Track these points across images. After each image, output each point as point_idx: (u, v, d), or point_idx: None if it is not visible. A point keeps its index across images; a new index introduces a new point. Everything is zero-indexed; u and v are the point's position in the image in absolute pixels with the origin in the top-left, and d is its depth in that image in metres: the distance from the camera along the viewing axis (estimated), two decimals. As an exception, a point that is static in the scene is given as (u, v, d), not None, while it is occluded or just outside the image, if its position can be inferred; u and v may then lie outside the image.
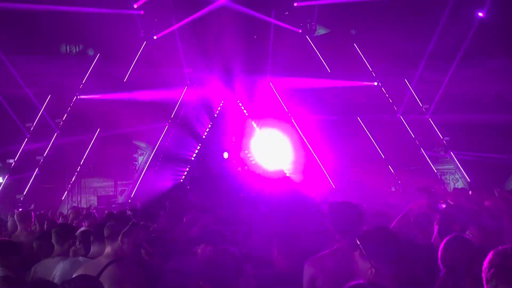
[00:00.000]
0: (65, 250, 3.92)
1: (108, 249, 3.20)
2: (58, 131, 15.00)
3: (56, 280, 3.35)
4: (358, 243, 2.21)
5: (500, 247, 1.35)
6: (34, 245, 4.17)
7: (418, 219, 3.47)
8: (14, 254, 3.63)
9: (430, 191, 3.28)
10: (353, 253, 2.24)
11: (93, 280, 2.18)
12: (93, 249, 3.52)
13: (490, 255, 1.29)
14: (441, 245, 2.49)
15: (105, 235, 3.26)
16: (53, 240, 3.95)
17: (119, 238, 3.19)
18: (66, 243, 3.93)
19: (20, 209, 5.99)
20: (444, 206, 3.24)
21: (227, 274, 2.23)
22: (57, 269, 3.55)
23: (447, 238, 2.51)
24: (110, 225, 3.30)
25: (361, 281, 2.10)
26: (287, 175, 17.20)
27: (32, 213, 5.57)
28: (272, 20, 15.86)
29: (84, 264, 3.21)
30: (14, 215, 7.48)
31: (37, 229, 5.81)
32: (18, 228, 5.26)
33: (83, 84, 15.53)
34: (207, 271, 2.28)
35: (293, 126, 17.35)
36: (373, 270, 2.13)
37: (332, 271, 2.60)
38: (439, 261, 2.44)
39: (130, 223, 3.38)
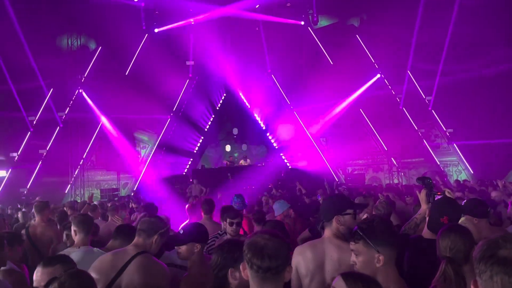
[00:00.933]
0: (84, 240, 3.93)
1: (138, 241, 3.18)
2: (61, 125, 15.02)
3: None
4: (361, 234, 2.21)
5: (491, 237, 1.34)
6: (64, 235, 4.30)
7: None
8: (19, 246, 3.66)
9: (426, 182, 3.25)
10: (354, 246, 2.23)
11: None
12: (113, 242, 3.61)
13: (479, 245, 1.29)
14: (439, 235, 2.48)
15: (141, 228, 3.28)
16: (72, 230, 3.97)
17: (156, 236, 3.21)
18: (84, 232, 3.94)
19: (38, 200, 6.02)
20: (439, 197, 3.21)
21: (223, 261, 2.29)
22: (76, 258, 3.57)
23: (444, 228, 2.50)
24: (154, 222, 3.32)
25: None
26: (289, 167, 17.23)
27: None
28: (273, 18, 15.80)
29: (110, 253, 3.21)
30: (21, 208, 7.55)
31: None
32: (36, 219, 5.31)
33: (84, 77, 15.52)
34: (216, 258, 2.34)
35: (295, 118, 17.35)
36: (381, 258, 2.14)
37: (312, 259, 2.66)
38: (438, 251, 2.43)
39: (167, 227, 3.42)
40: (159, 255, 3.56)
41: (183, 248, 3.04)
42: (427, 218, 3.04)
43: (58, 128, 15.03)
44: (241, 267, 1.86)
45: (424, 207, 3.32)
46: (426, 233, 2.93)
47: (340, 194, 6.00)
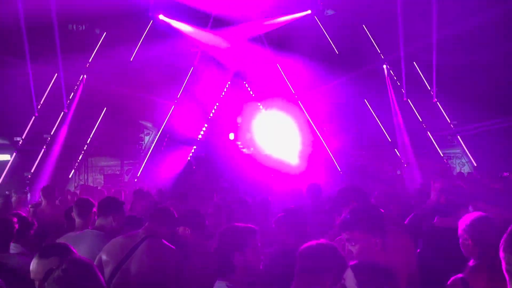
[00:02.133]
0: (87, 224, 3.97)
1: (150, 226, 3.26)
2: (66, 110, 15.01)
3: (80, 253, 3.39)
4: (356, 221, 2.24)
5: None
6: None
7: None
8: (28, 230, 3.70)
9: (444, 175, 3.27)
10: (350, 235, 2.25)
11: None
12: (98, 221, 3.62)
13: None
14: (469, 229, 2.44)
15: (154, 214, 3.35)
16: (75, 214, 4.00)
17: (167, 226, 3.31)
18: (87, 216, 3.97)
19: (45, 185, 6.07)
20: None
21: (228, 246, 2.32)
22: (82, 241, 3.60)
23: (473, 219, 2.47)
24: (168, 213, 3.40)
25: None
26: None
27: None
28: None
29: (121, 236, 3.24)
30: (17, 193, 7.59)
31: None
32: (43, 203, 5.38)
33: (89, 63, 15.47)
34: (217, 244, 2.36)
35: (299, 108, 17.31)
36: (378, 242, 2.15)
37: None
38: (468, 246, 2.38)
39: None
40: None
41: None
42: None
43: (62, 113, 15.03)
44: None
45: (435, 197, 3.30)
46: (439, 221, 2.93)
47: None
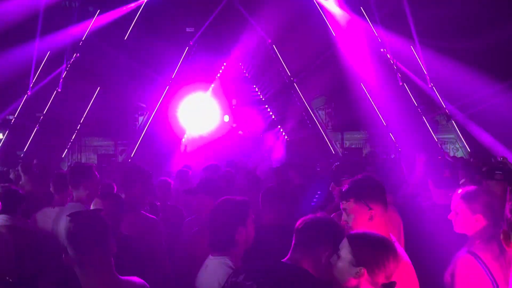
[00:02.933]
0: (63, 199, 3.95)
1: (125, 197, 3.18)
2: (59, 88, 14.86)
3: (58, 228, 3.36)
4: (352, 192, 2.23)
5: None
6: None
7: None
8: (21, 203, 3.67)
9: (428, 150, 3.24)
10: (346, 204, 2.24)
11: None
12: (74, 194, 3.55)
13: None
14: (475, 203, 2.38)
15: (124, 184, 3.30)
16: (52, 189, 3.97)
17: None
18: (63, 192, 3.94)
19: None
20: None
21: (232, 221, 2.30)
22: (61, 216, 3.58)
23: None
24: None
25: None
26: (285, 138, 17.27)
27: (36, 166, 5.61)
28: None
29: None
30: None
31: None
32: (23, 179, 5.33)
33: (82, 41, 15.25)
34: (212, 218, 2.33)
35: (294, 90, 17.24)
36: (372, 214, 2.18)
37: None
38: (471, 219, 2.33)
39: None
40: None
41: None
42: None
43: (55, 91, 14.88)
44: None
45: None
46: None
47: None
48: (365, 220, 2.19)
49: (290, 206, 3.42)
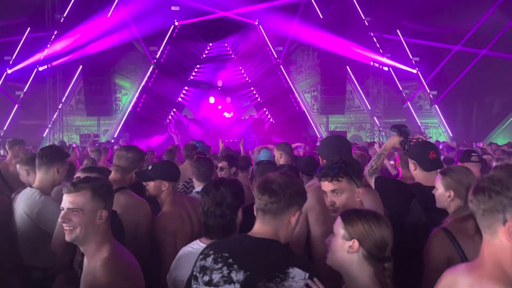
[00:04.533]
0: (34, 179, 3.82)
1: (116, 177, 3.07)
2: (39, 65, 14.48)
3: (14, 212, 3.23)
4: (345, 171, 2.23)
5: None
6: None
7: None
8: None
9: (402, 130, 3.22)
10: (337, 185, 2.24)
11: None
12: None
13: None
14: (438, 179, 2.45)
15: (118, 164, 3.15)
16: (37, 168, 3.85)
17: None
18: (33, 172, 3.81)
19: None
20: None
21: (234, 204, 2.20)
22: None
23: (444, 169, 2.50)
24: (131, 157, 3.19)
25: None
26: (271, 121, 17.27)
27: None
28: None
29: None
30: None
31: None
32: (8, 157, 5.20)
33: (64, 17, 14.83)
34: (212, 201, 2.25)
35: (281, 72, 17.16)
36: (361, 192, 2.25)
37: (323, 204, 2.45)
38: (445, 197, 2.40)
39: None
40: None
41: (150, 185, 2.94)
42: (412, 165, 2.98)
43: (35, 69, 14.51)
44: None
45: (389, 146, 3.28)
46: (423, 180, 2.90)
47: None
48: (354, 198, 2.22)
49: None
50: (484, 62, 14.54)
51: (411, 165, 2.98)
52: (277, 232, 1.76)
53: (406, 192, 2.80)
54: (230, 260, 1.69)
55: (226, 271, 1.68)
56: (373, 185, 3.03)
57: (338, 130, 16.61)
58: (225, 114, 17.12)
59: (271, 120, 17.40)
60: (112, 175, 3.10)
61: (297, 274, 1.63)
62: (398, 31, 16.17)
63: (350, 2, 16.07)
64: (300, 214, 1.80)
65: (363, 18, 16.26)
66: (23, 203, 3.01)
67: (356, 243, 1.71)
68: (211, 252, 1.77)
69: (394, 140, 3.24)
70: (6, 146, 5.22)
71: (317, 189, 2.62)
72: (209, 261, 1.73)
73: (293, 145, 6.04)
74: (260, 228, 1.77)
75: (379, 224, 1.73)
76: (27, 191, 3.09)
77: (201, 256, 1.79)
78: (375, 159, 3.19)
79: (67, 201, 1.95)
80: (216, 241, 1.91)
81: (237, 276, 1.65)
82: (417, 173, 2.93)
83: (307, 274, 1.64)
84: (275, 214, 1.74)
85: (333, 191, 2.23)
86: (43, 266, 2.93)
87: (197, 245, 2.16)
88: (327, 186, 2.25)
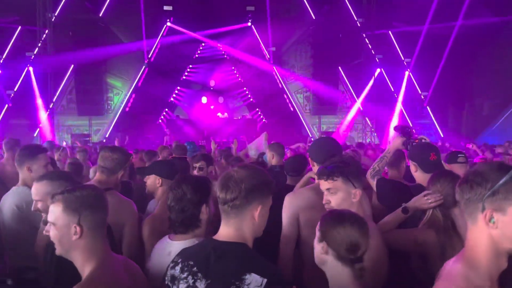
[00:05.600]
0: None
1: (102, 178, 3.05)
2: (29, 64, 14.35)
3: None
4: (340, 171, 2.23)
5: None
6: None
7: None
8: None
9: (405, 130, 3.25)
10: (332, 184, 2.24)
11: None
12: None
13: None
14: (429, 181, 2.49)
15: (104, 165, 3.15)
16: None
17: (122, 171, 3.14)
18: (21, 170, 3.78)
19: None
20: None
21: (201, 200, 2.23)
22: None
23: (434, 174, 2.53)
24: (117, 158, 3.18)
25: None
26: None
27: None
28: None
29: None
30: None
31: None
32: (5, 157, 5.15)
33: (55, 16, 14.72)
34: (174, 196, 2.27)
35: (273, 73, 17.19)
36: (357, 193, 2.22)
37: (315, 206, 2.47)
38: None
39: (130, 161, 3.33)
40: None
41: (148, 181, 3.05)
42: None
43: (26, 68, 14.38)
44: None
45: (393, 147, 3.32)
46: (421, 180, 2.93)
47: None
48: (349, 199, 2.21)
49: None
50: (475, 63, 14.71)
51: (412, 166, 3.01)
52: (240, 232, 1.69)
53: (406, 193, 2.82)
54: (195, 269, 1.65)
55: (191, 280, 1.63)
56: (374, 187, 3.06)
57: (330, 130, 16.67)
58: (219, 114, 17.11)
59: (263, 120, 17.42)
60: (97, 177, 3.09)
61: (253, 281, 1.54)
62: (389, 32, 16.27)
63: (342, 3, 16.13)
64: (263, 208, 1.72)
65: (355, 19, 16.33)
66: (12, 198, 3.03)
67: (325, 245, 1.75)
68: (179, 260, 1.73)
69: (397, 141, 3.27)
70: (4, 147, 5.17)
71: (309, 190, 2.64)
72: (177, 270, 1.70)
73: (295, 146, 6.08)
74: (224, 229, 1.71)
75: (344, 226, 1.74)
76: (14, 189, 3.12)
77: (171, 264, 1.75)
78: (377, 161, 3.22)
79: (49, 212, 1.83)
80: (185, 248, 1.85)
81: (201, 285, 1.60)
82: (418, 175, 2.96)
83: (265, 280, 1.54)
84: (236, 213, 1.67)
85: (328, 189, 2.24)
86: (34, 265, 2.90)
87: (165, 241, 2.24)
88: (323, 184, 2.26)
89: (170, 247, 2.17)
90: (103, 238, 1.85)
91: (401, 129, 3.23)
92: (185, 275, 1.66)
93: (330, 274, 1.76)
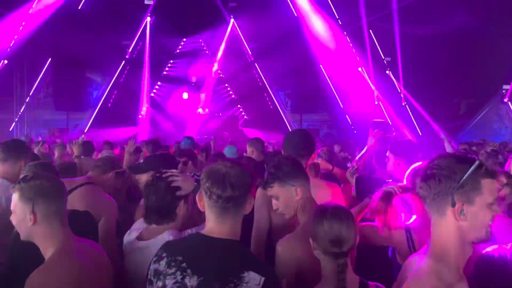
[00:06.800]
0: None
1: (92, 174, 3.12)
2: (6, 58, 13.98)
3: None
4: (273, 176, 2.22)
5: None
6: None
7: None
8: None
9: (380, 125, 3.32)
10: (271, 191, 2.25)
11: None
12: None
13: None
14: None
15: (96, 164, 3.20)
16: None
17: (112, 173, 3.13)
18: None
19: None
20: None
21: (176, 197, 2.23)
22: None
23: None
24: (111, 159, 3.26)
25: None
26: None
27: None
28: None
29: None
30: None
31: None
32: None
33: (33, 8, 14.36)
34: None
35: (255, 70, 17.19)
36: (298, 190, 2.20)
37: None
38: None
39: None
40: None
41: (143, 178, 2.95)
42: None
43: (2, 61, 14.02)
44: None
45: (370, 144, 3.39)
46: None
47: None
48: (293, 199, 2.19)
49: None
50: (452, 64, 15.00)
51: (396, 161, 3.05)
52: (235, 229, 1.67)
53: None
54: (184, 264, 1.60)
55: (180, 276, 1.59)
56: (354, 185, 3.13)
57: (311, 128, 16.78)
58: (199, 110, 16.99)
59: (245, 117, 17.41)
60: (89, 173, 3.18)
61: (252, 279, 1.53)
62: (370, 31, 16.42)
63: (324, 1, 16.21)
64: (251, 204, 1.73)
65: (337, 17, 16.44)
66: None
67: (312, 241, 1.84)
68: (164, 254, 1.67)
69: (372, 140, 3.35)
70: None
71: None
72: (162, 264, 1.65)
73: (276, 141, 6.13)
74: (217, 226, 1.66)
75: (326, 220, 1.81)
76: None
77: (154, 258, 1.70)
78: (356, 161, 3.34)
79: None
80: (170, 241, 1.82)
81: (191, 282, 1.56)
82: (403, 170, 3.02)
83: (263, 278, 1.54)
84: (234, 211, 1.65)
85: (272, 196, 2.25)
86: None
87: (135, 243, 2.20)
88: (268, 192, 2.27)
89: (140, 244, 2.16)
90: (62, 225, 1.90)
91: (377, 124, 3.29)
92: (172, 270, 1.61)
93: (322, 268, 1.84)
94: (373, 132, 3.37)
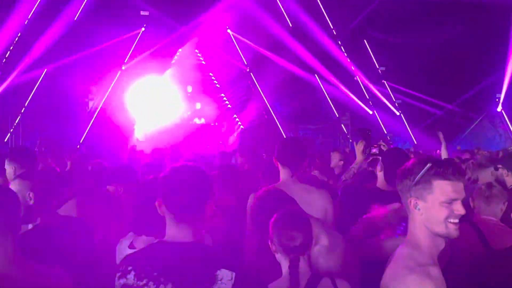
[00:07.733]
0: None
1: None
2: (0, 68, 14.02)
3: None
4: None
5: None
6: None
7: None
8: None
9: (366, 134, 3.33)
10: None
11: None
12: None
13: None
14: None
15: None
16: None
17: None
18: None
19: None
20: (375, 150, 3.34)
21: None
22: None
23: None
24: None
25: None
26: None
27: None
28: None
29: None
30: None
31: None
32: None
33: (28, 20, 14.43)
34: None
35: (250, 80, 17.25)
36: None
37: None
38: None
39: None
40: None
41: None
42: (379, 172, 3.07)
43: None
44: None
45: (360, 158, 3.42)
46: (382, 185, 2.99)
47: None
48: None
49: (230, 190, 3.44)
50: (445, 73, 15.12)
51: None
52: (196, 232, 1.68)
53: (364, 195, 2.88)
54: (155, 274, 1.59)
55: (153, 286, 1.58)
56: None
57: (307, 136, 16.77)
58: (195, 120, 16.99)
59: (240, 126, 17.41)
60: None
61: (225, 276, 1.58)
62: (364, 40, 16.56)
63: (319, 11, 16.33)
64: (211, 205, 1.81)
65: (332, 27, 16.56)
66: None
67: (271, 244, 1.99)
68: (130, 268, 1.64)
69: (359, 149, 3.40)
70: None
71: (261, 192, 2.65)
72: (130, 278, 1.62)
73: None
74: (179, 231, 1.65)
75: (278, 220, 1.96)
76: None
77: (119, 274, 1.65)
78: (346, 173, 3.42)
79: None
80: (131, 254, 1.79)
81: None
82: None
83: (234, 274, 1.59)
84: (195, 214, 1.66)
85: None
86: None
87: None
88: None
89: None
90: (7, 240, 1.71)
91: (362, 132, 3.30)
92: (144, 282, 1.60)
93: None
94: (356, 144, 3.41)
